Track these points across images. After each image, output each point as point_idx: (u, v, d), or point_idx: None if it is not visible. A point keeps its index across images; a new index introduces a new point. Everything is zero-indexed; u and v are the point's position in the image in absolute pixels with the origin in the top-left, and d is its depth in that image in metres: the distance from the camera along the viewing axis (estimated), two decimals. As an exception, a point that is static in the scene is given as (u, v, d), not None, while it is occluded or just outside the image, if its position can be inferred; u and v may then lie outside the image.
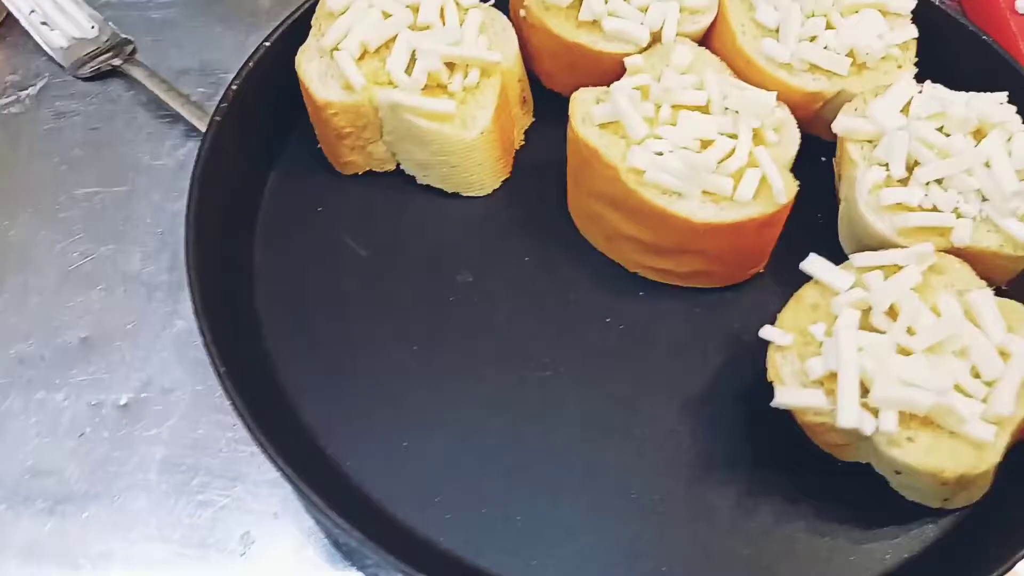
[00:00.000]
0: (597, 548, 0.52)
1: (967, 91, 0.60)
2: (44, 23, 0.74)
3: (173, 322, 0.60)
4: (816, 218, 0.63)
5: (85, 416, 0.57)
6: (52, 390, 0.58)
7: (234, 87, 0.62)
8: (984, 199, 0.57)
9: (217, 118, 0.60)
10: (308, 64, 0.62)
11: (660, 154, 0.58)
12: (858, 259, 0.55)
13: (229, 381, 0.50)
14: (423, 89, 0.61)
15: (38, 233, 0.65)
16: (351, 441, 0.54)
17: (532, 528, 0.52)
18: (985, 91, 0.60)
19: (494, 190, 0.65)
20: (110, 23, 0.74)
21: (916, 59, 0.65)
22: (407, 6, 0.62)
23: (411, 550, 0.48)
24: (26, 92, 0.72)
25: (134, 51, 0.73)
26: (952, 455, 0.49)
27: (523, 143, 0.68)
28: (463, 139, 0.61)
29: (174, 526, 0.53)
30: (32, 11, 0.74)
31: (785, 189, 0.57)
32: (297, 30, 0.64)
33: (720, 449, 0.55)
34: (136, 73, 0.71)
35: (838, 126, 0.61)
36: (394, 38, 0.62)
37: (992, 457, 0.49)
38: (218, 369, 0.50)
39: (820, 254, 0.55)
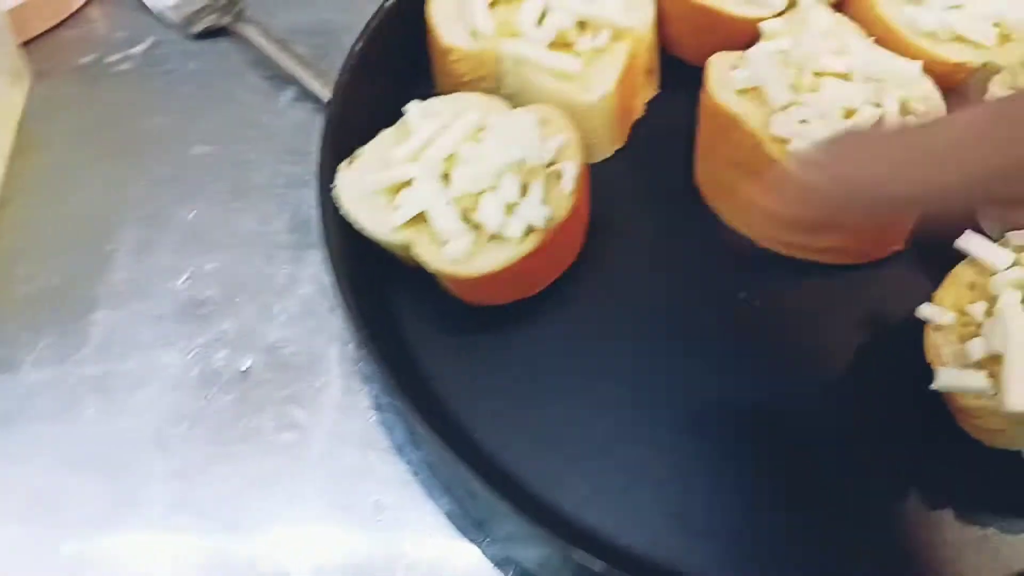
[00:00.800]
0: (746, 530, 0.50)
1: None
2: (153, -21, 0.73)
3: (295, 285, 0.59)
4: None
5: (209, 378, 0.56)
6: (174, 352, 0.57)
7: (358, 47, 0.61)
8: None
9: (343, 78, 0.59)
10: (438, 6, 0.61)
11: (804, 122, 0.56)
12: (1017, 236, 0.52)
13: (370, 343, 0.49)
14: (550, 45, 0.59)
15: (155, 190, 0.64)
16: (484, 411, 0.52)
17: (669, 504, 0.50)
18: None
19: (610, 158, 0.63)
20: (219, -20, 0.73)
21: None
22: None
23: (558, 524, 0.47)
24: (136, 50, 0.71)
25: (243, 9, 0.72)
26: (1119, 444, 0.47)
27: (644, 113, 0.66)
28: (583, 101, 0.59)
29: (303, 490, 0.52)
30: (141, -33, 0.73)
31: (937, 162, 0.54)
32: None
33: (865, 431, 0.53)
34: (248, 32, 0.70)
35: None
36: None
37: None
38: (359, 332, 0.49)
39: (958, 231, 0.53)
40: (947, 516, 0.51)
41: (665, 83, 0.67)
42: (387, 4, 0.62)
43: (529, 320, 0.56)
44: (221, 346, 0.57)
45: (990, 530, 0.51)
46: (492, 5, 0.61)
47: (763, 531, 0.50)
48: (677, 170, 0.62)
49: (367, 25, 0.61)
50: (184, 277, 0.60)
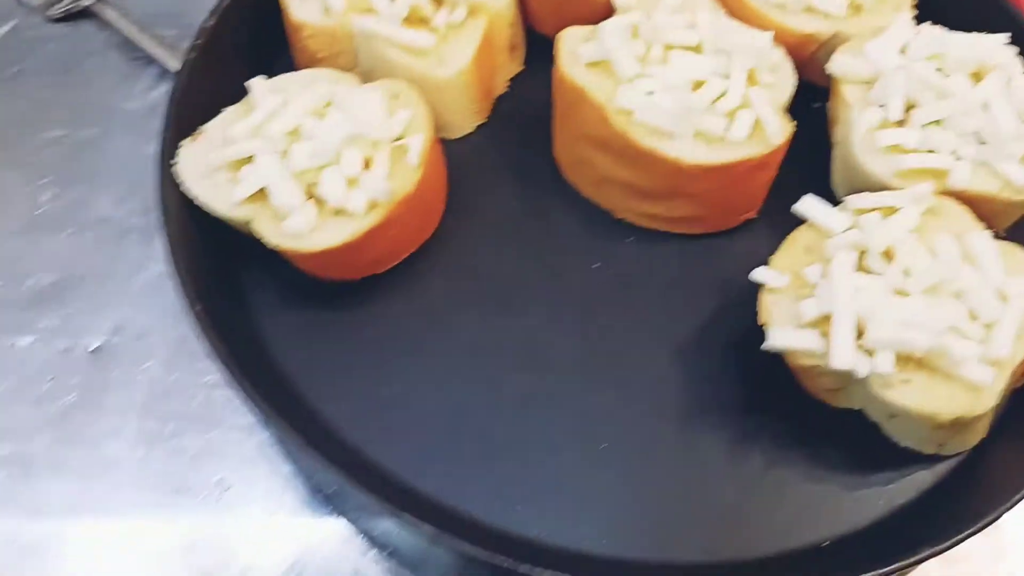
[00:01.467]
0: (583, 494, 0.50)
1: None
2: (12, -38, 0.71)
3: (146, 266, 0.58)
4: (809, 164, 0.61)
5: (55, 361, 0.55)
6: (21, 335, 0.56)
7: (210, 23, 0.60)
8: (982, 142, 0.56)
9: (191, 56, 0.58)
10: None
11: (651, 94, 0.56)
12: (854, 200, 0.53)
13: (205, 320, 0.48)
14: (404, 21, 0.59)
15: (6, 175, 0.63)
16: (329, 386, 0.52)
17: (518, 474, 0.50)
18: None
19: (472, 134, 0.63)
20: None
21: (914, 1, 0.63)
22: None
23: (391, 492, 0.47)
24: (-6, 33, 0.70)
25: (106, -9, 0.71)
26: (948, 398, 0.48)
27: (507, 89, 0.66)
28: (436, 77, 0.59)
29: (147, 472, 0.51)
30: (0, -51, 0.71)
31: (780, 130, 0.55)
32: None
33: (711, 395, 0.53)
34: (107, 14, 0.69)
35: (834, 66, 0.59)
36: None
37: (989, 400, 0.48)
38: (193, 307, 0.48)
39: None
40: (789, 474, 0.52)
41: (530, 60, 0.67)
42: (242, -21, 0.62)
43: (381, 294, 0.56)
44: (70, 328, 0.56)
45: (832, 487, 0.51)
46: (345, -21, 0.60)
47: (599, 496, 0.50)
48: (537, 145, 0.62)
49: (219, 2, 0.61)
50: (33, 261, 0.59)
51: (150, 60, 0.67)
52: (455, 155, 0.60)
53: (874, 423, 0.52)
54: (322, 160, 0.52)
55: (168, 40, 0.67)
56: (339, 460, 0.46)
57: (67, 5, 0.70)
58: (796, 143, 0.56)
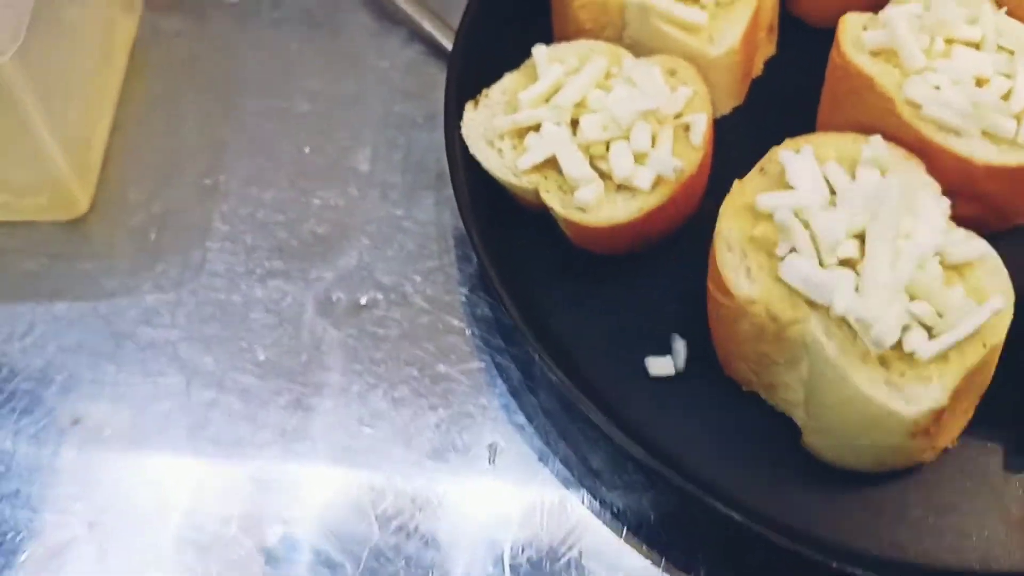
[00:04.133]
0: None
1: None
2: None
3: (407, 226, 0.59)
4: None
5: (324, 312, 0.56)
6: (289, 282, 0.57)
7: (478, -7, 0.60)
8: None
9: (468, 17, 0.58)
10: None
11: (936, 88, 0.55)
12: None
13: (499, 286, 0.49)
14: (677, -3, 0.58)
15: (266, 124, 0.64)
16: (602, 360, 0.52)
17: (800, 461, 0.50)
18: None
19: (729, 116, 0.63)
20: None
21: None
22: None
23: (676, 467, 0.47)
24: (246, -17, 0.71)
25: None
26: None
27: (760, 73, 0.65)
28: (707, 55, 0.59)
29: (419, 430, 0.52)
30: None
31: (1075, 135, 0.53)
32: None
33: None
34: (364, -28, 0.69)
35: None
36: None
37: None
38: (489, 271, 0.49)
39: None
40: None
41: (782, 43, 0.66)
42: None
43: (647, 271, 0.56)
44: (337, 281, 0.57)
45: None
46: (620, -48, 0.60)
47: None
48: (797, 129, 0.61)
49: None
50: (298, 211, 0.60)
51: (397, 20, 0.68)
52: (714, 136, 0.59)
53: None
54: (613, 133, 0.52)
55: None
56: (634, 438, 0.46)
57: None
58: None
